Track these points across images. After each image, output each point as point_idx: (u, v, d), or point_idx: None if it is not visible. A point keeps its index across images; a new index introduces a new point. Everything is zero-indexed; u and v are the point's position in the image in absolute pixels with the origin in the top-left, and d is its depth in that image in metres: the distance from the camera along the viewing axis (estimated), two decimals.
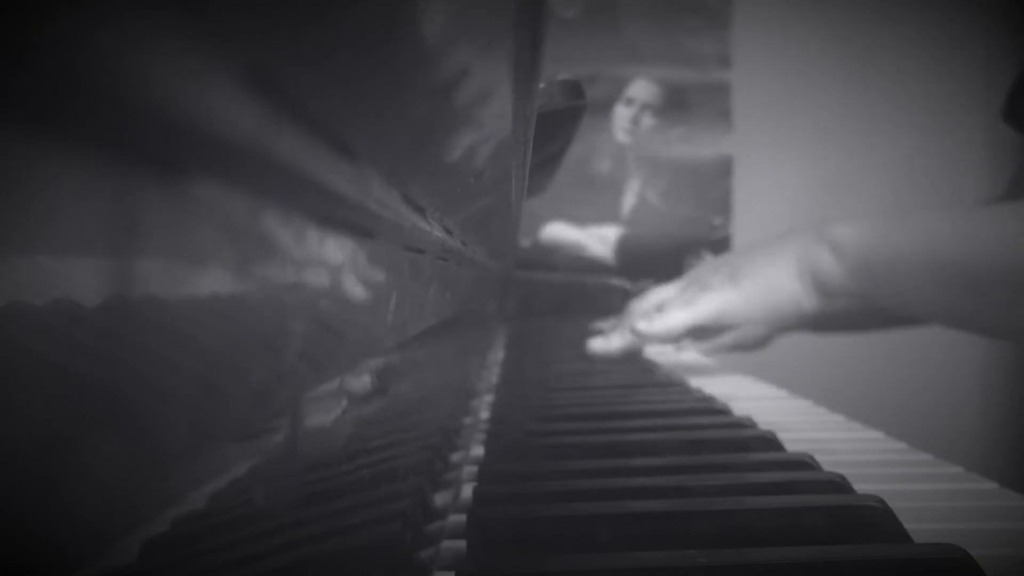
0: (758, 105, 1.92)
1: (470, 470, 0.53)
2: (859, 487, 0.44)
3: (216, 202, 0.15)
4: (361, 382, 0.28)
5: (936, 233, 0.88)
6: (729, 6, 1.90)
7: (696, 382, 0.90)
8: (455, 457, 0.55)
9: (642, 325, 0.96)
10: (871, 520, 0.38)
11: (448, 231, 0.43)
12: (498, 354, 1.16)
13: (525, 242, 1.87)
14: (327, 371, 0.23)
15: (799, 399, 0.86)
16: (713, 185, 1.92)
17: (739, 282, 0.95)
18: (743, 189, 1.93)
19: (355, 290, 0.25)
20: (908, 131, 1.92)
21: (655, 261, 1.92)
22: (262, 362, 0.18)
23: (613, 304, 1.76)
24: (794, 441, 0.56)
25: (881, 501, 0.39)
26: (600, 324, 1.33)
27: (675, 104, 1.92)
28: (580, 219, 1.93)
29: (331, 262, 0.23)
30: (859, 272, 0.90)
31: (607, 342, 1.03)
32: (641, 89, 1.92)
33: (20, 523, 0.10)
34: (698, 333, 0.98)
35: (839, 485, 0.44)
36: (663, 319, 0.95)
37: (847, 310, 0.94)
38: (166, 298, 0.13)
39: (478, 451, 0.58)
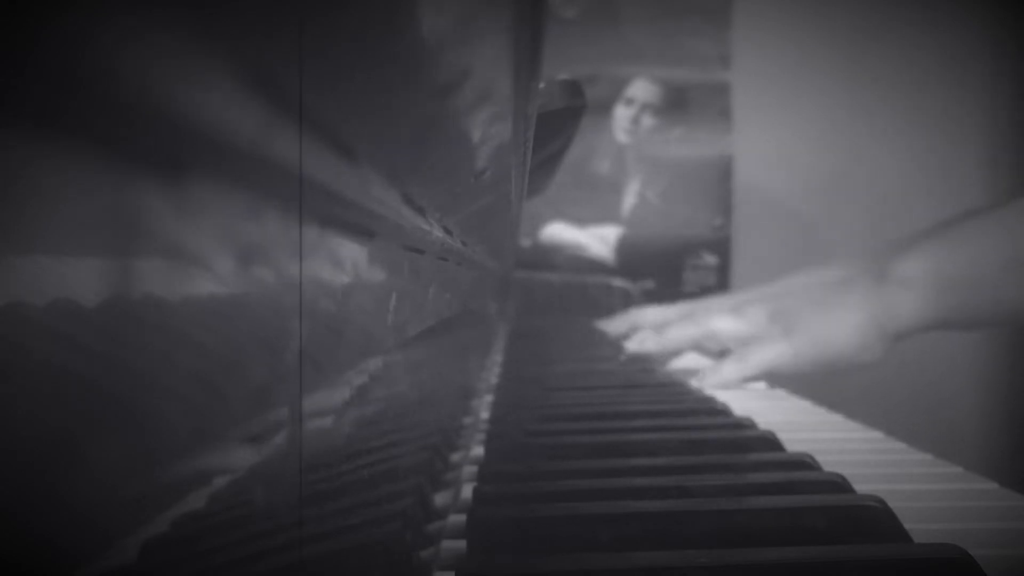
0: (758, 105, 1.92)
1: (470, 470, 0.53)
2: (859, 487, 0.44)
3: (216, 202, 0.15)
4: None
5: (1001, 233, 0.88)
6: (729, 6, 1.90)
7: (698, 381, 0.90)
8: (455, 457, 0.55)
9: (695, 381, 0.92)
10: (871, 520, 0.38)
11: (448, 231, 0.43)
12: (498, 354, 1.16)
13: (525, 242, 1.87)
14: (327, 371, 0.23)
15: (799, 399, 0.86)
16: (713, 185, 1.92)
17: (791, 334, 0.92)
18: (743, 189, 1.93)
19: (355, 290, 0.25)
20: (908, 131, 1.92)
21: (655, 261, 1.92)
22: (262, 362, 0.18)
23: (613, 304, 1.76)
24: (794, 441, 0.56)
25: (881, 501, 0.39)
26: (603, 324, 1.34)
27: (675, 104, 1.92)
28: (580, 219, 1.93)
29: (331, 262, 0.23)
30: (940, 298, 0.89)
31: (639, 343, 1.03)
32: (641, 89, 1.92)
33: (20, 523, 0.10)
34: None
35: (839, 485, 0.44)
36: (716, 375, 0.91)
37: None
38: (166, 298, 0.13)
39: (478, 451, 0.58)
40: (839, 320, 0.91)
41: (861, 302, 0.91)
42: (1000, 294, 0.87)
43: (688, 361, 1.04)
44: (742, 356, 0.92)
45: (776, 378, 0.93)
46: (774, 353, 0.91)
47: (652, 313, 1.28)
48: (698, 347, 0.98)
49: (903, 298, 0.89)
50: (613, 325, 1.34)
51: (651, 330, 1.02)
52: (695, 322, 0.97)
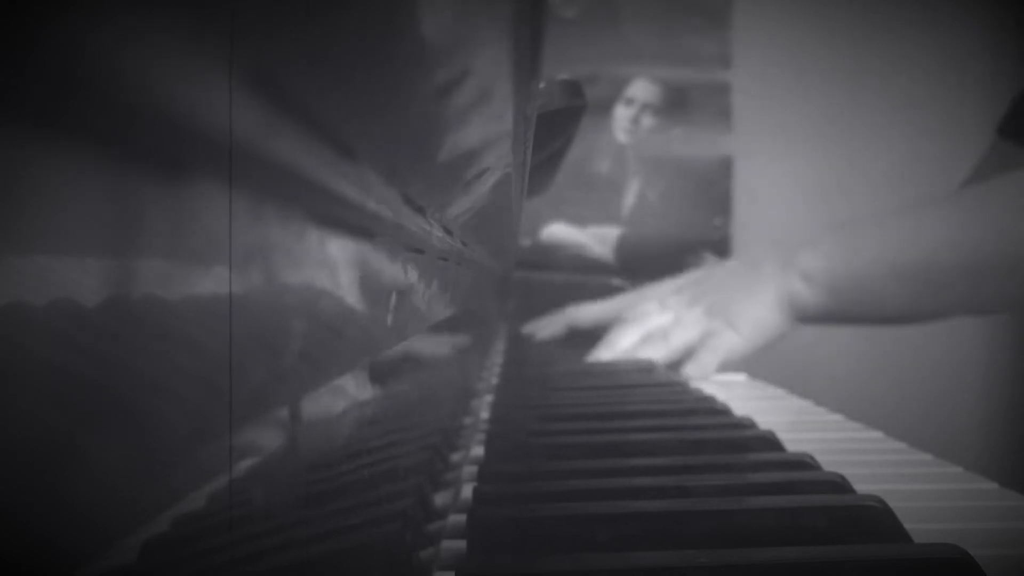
0: (758, 105, 1.92)
1: (470, 470, 0.53)
2: (859, 487, 0.44)
3: (216, 202, 0.15)
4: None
5: (893, 241, 0.99)
6: (729, 6, 1.90)
7: (696, 382, 0.90)
8: (455, 457, 0.55)
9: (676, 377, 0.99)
10: (871, 520, 0.38)
11: (448, 231, 0.43)
12: (498, 354, 1.16)
13: (525, 242, 1.87)
14: (327, 371, 0.23)
15: (799, 399, 0.86)
16: (713, 185, 1.92)
17: (735, 325, 1.01)
18: (743, 189, 1.93)
19: (355, 290, 0.25)
20: (908, 131, 1.92)
21: (655, 261, 1.92)
22: (262, 362, 0.18)
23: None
24: (794, 441, 0.56)
25: (881, 501, 0.39)
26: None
27: (675, 104, 1.92)
28: (580, 219, 1.93)
29: (331, 262, 0.23)
30: (832, 295, 0.99)
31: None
32: (641, 89, 1.92)
33: (20, 523, 0.10)
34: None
35: (839, 485, 0.44)
36: (693, 367, 0.99)
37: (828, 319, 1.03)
38: (166, 298, 0.13)
39: (478, 451, 0.58)
40: (764, 300, 1.01)
41: (771, 281, 1.01)
42: (884, 298, 0.99)
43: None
44: (710, 346, 1.00)
45: (769, 373, 1.01)
46: (727, 347, 1.00)
47: (585, 312, 1.30)
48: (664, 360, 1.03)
49: (801, 288, 1.00)
50: (541, 326, 1.35)
51: (604, 344, 1.06)
52: (658, 345, 1.03)
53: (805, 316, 1.02)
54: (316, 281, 0.21)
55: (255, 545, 0.18)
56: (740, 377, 1.00)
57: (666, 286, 1.12)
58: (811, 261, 1.00)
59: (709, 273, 1.11)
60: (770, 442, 0.55)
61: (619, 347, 1.04)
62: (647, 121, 1.92)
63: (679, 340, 1.02)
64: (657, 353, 1.02)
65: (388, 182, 0.26)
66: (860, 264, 0.98)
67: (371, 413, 0.30)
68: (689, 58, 1.91)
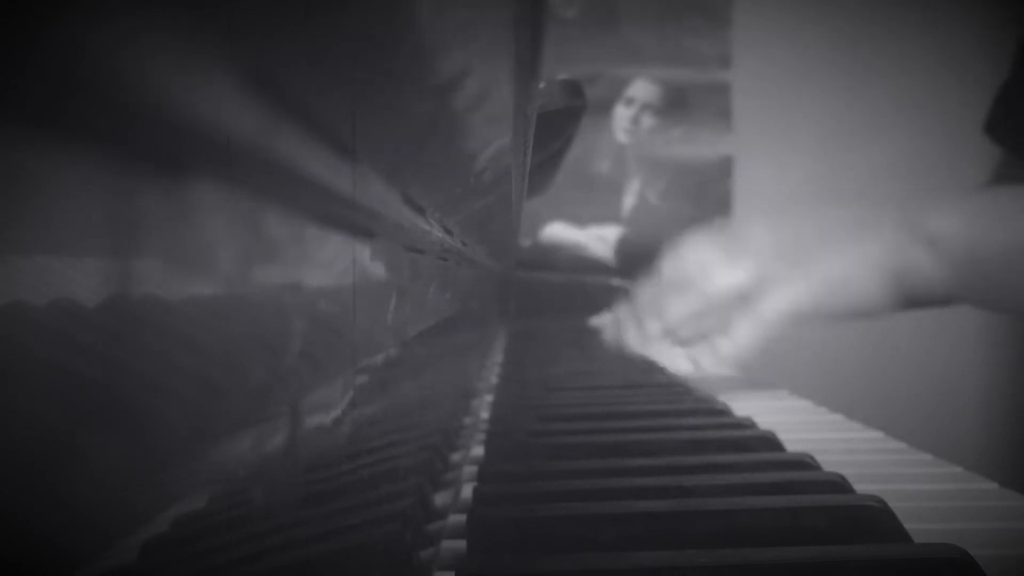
0: (758, 105, 1.92)
1: (470, 470, 0.53)
2: (859, 487, 0.44)
3: (216, 202, 0.15)
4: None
5: None
6: (729, 6, 1.90)
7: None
8: (455, 457, 0.55)
9: (705, 357, 0.80)
10: (871, 520, 0.38)
11: (448, 231, 0.43)
12: (498, 354, 1.16)
13: (525, 242, 1.87)
14: (327, 371, 0.23)
15: (799, 399, 0.86)
16: (713, 185, 1.92)
17: (804, 272, 0.77)
18: (743, 189, 1.93)
19: (355, 290, 0.25)
20: (908, 131, 1.92)
21: (655, 261, 1.92)
22: (262, 362, 0.18)
23: (613, 304, 1.76)
24: (794, 441, 0.56)
25: (881, 501, 0.39)
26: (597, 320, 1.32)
27: (675, 104, 1.92)
28: (580, 219, 1.93)
29: (331, 262, 0.23)
30: (967, 268, 0.76)
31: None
32: (641, 89, 1.92)
33: (20, 523, 0.10)
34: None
35: (839, 485, 0.44)
36: (732, 345, 0.78)
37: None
38: (166, 298, 0.13)
39: (478, 451, 0.58)
40: (857, 262, 0.77)
41: (883, 248, 0.77)
42: None
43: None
44: (753, 313, 0.77)
45: (769, 372, 0.83)
46: (789, 298, 0.77)
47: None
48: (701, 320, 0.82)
49: (925, 258, 0.76)
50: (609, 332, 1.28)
51: (635, 328, 0.86)
52: (692, 294, 0.82)
53: (927, 294, 0.78)
54: (316, 281, 0.21)
55: (255, 545, 0.18)
56: (738, 375, 0.99)
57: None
58: (945, 224, 0.76)
59: (807, 218, 0.84)
60: (770, 442, 0.55)
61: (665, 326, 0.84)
62: (647, 121, 1.92)
63: (728, 290, 0.79)
64: (685, 308, 0.82)
65: (388, 182, 0.27)
66: (1008, 233, 0.75)
67: (371, 413, 0.30)
68: (689, 58, 1.91)
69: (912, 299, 0.79)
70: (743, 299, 0.79)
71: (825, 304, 0.78)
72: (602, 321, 1.06)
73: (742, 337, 0.78)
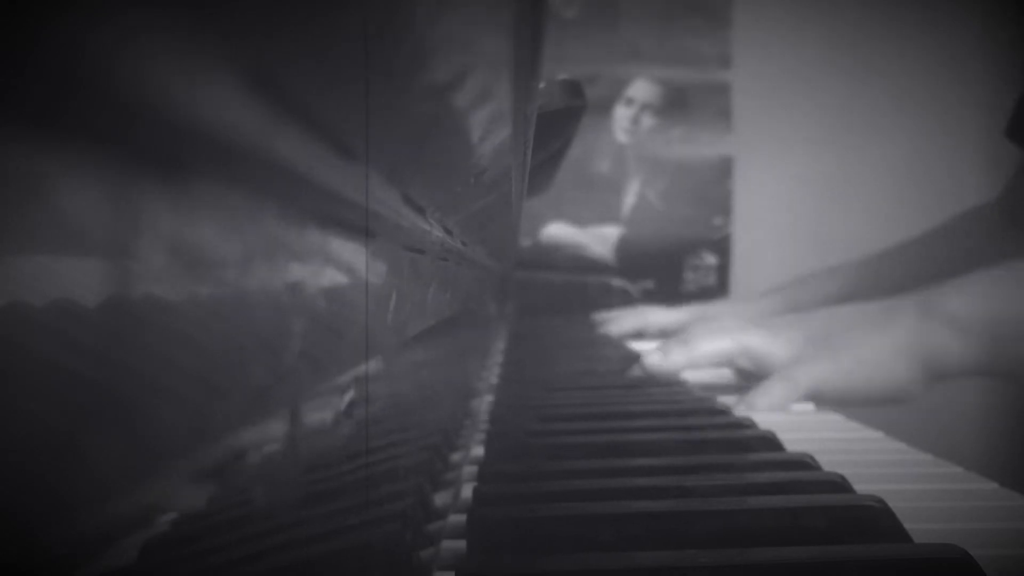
0: (758, 105, 1.92)
1: (470, 470, 0.53)
2: (859, 487, 0.44)
3: (216, 202, 0.15)
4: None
5: None
6: (729, 6, 1.90)
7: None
8: (455, 457, 0.55)
9: (740, 404, 0.81)
10: (871, 520, 0.38)
11: (448, 231, 0.43)
12: (498, 354, 1.16)
13: (525, 242, 1.87)
14: (327, 371, 0.23)
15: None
16: (713, 185, 1.92)
17: (836, 354, 0.83)
18: (743, 189, 1.93)
19: (355, 290, 0.25)
20: (908, 131, 1.92)
21: (655, 261, 1.92)
22: (262, 362, 0.18)
23: (613, 304, 1.76)
24: (794, 441, 0.56)
25: (881, 501, 0.39)
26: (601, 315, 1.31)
27: (675, 104, 1.92)
28: (580, 219, 1.93)
29: (331, 262, 0.23)
30: (987, 344, 0.81)
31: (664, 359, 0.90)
32: (641, 89, 1.92)
33: (20, 523, 0.10)
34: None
35: (839, 485, 0.44)
36: (765, 397, 0.81)
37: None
38: (166, 298, 0.13)
39: (478, 451, 0.58)
40: (884, 345, 0.83)
41: (905, 332, 0.83)
42: None
43: (707, 376, 0.93)
44: (788, 375, 0.82)
45: (821, 402, 0.85)
46: (822, 371, 0.82)
47: (659, 315, 1.24)
48: (730, 363, 0.87)
49: (948, 337, 0.82)
50: (616, 324, 1.31)
51: (676, 341, 0.90)
52: (730, 335, 0.87)
53: (952, 371, 0.83)
54: (315, 281, 0.21)
55: (255, 545, 0.18)
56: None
57: (769, 300, 0.94)
58: (960, 304, 0.81)
59: (832, 311, 0.90)
60: (770, 442, 0.55)
61: (698, 352, 0.87)
62: (647, 121, 1.92)
63: (763, 351, 0.84)
64: (731, 354, 0.85)
65: (388, 182, 0.26)
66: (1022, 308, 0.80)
67: (371, 413, 0.30)
68: (689, 58, 1.91)
69: (941, 377, 0.84)
70: (772, 364, 0.85)
71: (857, 385, 0.83)
72: (642, 346, 1.06)
73: (775, 393, 0.81)
